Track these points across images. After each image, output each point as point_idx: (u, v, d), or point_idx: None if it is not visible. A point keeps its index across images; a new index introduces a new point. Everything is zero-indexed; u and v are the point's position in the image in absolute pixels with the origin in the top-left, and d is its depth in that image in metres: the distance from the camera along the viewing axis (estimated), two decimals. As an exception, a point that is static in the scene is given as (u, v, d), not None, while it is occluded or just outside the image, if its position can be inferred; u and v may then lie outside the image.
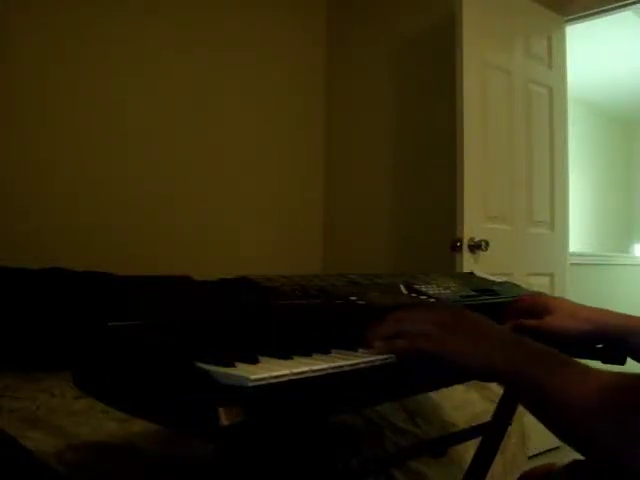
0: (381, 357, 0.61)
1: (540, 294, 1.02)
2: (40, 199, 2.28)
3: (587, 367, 0.57)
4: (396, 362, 0.62)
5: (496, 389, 1.24)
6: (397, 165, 3.02)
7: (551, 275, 2.70)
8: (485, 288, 1.03)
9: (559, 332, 0.80)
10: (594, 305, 0.84)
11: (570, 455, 0.63)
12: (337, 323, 0.72)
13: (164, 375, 0.51)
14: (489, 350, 0.62)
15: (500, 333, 0.67)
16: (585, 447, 0.54)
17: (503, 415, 1.14)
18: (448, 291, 0.94)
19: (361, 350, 0.63)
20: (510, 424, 1.16)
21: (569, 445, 0.55)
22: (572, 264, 2.91)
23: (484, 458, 1.15)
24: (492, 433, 1.15)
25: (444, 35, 2.57)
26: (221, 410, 0.46)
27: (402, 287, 0.90)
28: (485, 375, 0.65)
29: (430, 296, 0.89)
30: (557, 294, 2.55)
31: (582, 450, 0.55)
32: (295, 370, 0.51)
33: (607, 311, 0.84)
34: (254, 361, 0.54)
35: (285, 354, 0.57)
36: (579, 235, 4.53)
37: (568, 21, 2.78)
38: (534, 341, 0.64)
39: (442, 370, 0.65)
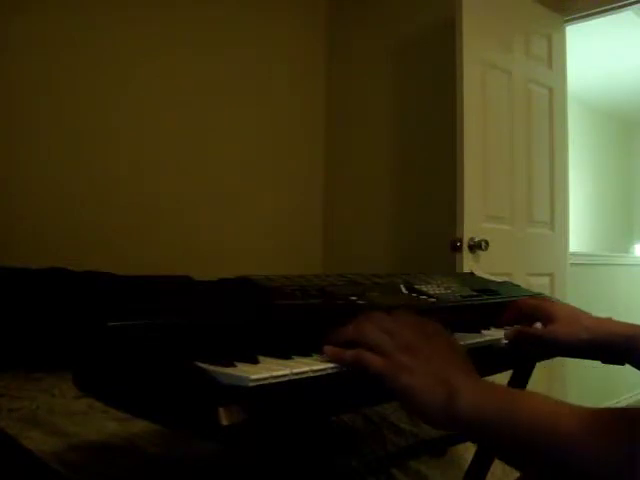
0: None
1: (542, 297, 1.02)
2: (40, 199, 2.28)
3: (568, 404, 0.53)
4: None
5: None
6: (397, 165, 3.02)
7: (551, 275, 2.70)
8: (485, 288, 1.03)
9: (563, 342, 0.79)
10: (594, 305, 0.84)
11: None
12: (337, 323, 0.72)
13: (164, 375, 0.51)
14: (453, 393, 0.53)
15: (467, 369, 0.58)
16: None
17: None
18: (448, 291, 0.94)
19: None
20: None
21: None
22: (572, 264, 2.91)
23: (484, 458, 1.15)
24: (492, 433, 1.15)
25: (444, 35, 2.57)
26: (221, 410, 0.46)
27: (402, 287, 0.90)
28: (445, 425, 0.54)
29: (430, 296, 0.89)
30: (557, 294, 2.55)
31: None
32: (295, 370, 0.52)
33: (610, 320, 0.82)
34: (254, 361, 0.54)
35: (285, 354, 0.57)
36: (579, 235, 4.53)
37: (568, 21, 2.78)
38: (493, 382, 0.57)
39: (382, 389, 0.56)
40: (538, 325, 0.85)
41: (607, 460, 0.47)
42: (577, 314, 0.83)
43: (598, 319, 0.82)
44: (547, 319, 0.83)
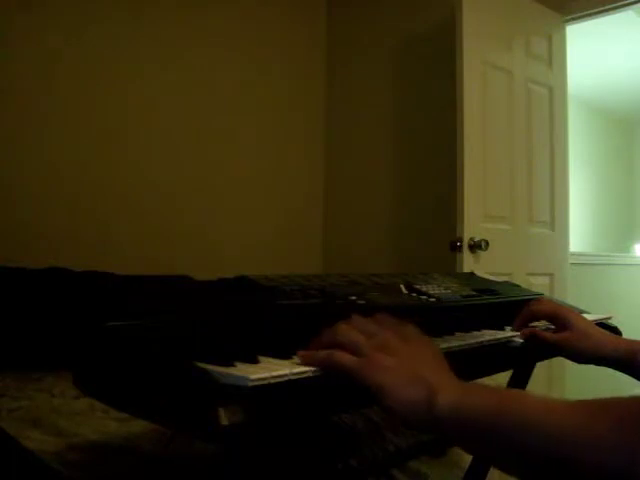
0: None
1: (553, 300, 1.03)
2: (40, 199, 2.28)
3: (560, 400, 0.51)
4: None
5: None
6: (397, 165, 3.02)
7: (551, 275, 2.70)
8: (485, 288, 1.03)
9: (573, 353, 0.83)
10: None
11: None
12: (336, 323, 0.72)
13: (164, 375, 0.51)
14: (433, 391, 0.51)
15: (446, 370, 0.56)
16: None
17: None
18: (448, 291, 0.94)
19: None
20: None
21: None
22: (572, 264, 2.91)
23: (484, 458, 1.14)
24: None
25: (444, 35, 2.57)
26: (221, 410, 0.45)
27: (402, 287, 0.90)
28: (423, 425, 0.52)
29: (430, 296, 0.89)
30: (557, 294, 2.55)
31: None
32: (295, 370, 0.51)
33: (620, 338, 0.86)
34: (254, 361, 0.54)
35: (285, 354, 0.57)
36: (579, 235, 4.52)
37: (568, 21, 2.77)
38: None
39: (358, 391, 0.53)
40: (541, 325, 0.88)
41: (609, 454, 0.44)
42: (591, 328, 0.86)
43: (606, 335, 0.85)
44: (562, 326, 0.85)
